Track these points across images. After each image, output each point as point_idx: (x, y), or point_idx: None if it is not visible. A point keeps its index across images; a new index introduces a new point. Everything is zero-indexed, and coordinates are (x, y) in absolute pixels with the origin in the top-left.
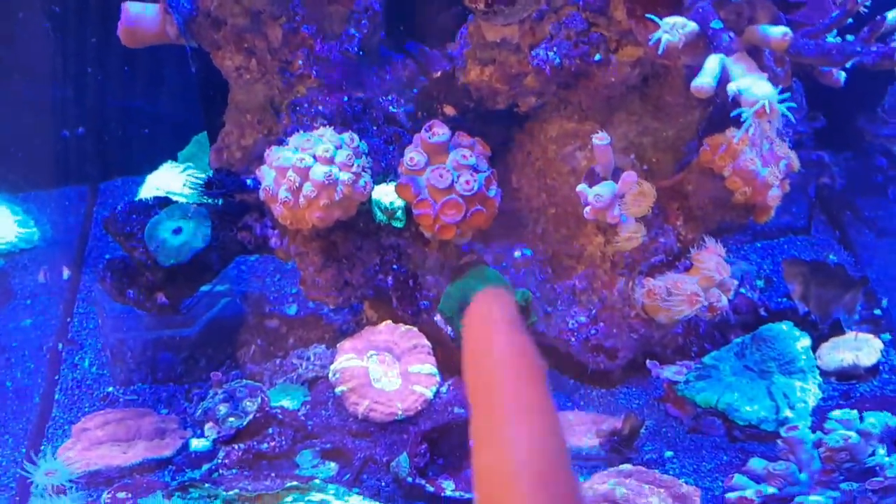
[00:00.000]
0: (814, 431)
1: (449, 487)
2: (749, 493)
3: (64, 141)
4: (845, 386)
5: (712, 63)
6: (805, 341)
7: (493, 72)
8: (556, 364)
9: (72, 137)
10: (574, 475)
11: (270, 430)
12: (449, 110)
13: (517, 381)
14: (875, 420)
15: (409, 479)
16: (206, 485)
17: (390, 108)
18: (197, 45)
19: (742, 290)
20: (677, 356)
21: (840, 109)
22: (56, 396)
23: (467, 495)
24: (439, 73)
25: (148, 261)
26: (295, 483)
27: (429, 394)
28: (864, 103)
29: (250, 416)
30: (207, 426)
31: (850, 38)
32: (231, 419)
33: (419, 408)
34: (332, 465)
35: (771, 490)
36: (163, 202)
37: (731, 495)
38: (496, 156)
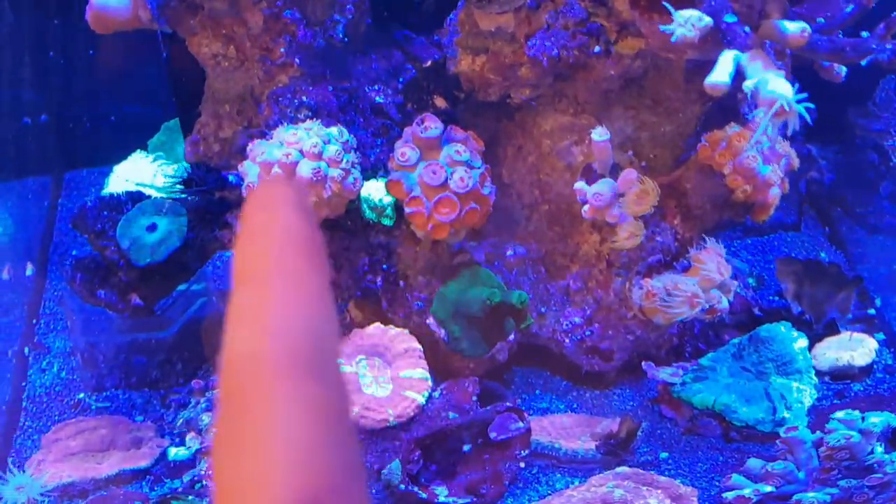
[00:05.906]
0: (812, 431)
1: (442, 493)
2: (746, 492)
3: (25, 129)
4: (840, 385)
5: (727, 59)
6: (803, 342)
7: (486, 62)
8: (549, 365)
9: (34, 125)
10: (339, 368)
11: None
12: (440, 102)
13: (293, 260)
14: (877, 419)
15: (402, 487)
16: (190, 497)
17: (377, 98)
18: (171, 30)
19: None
20: (672, 357)
21: (829, 102)
22: (23, 404)
23: (461, 501)
24: (429, 63)
25: (120, 260)
26: None
27: (421, 399)
28: (855, 96)
29: None
30: (189, 436)
31: (864, 34)
32: None
33: (411, 414)
34: None
35: (768, 489)
36: (135, 197)
37: (728, 495)
38: (486, 149)
